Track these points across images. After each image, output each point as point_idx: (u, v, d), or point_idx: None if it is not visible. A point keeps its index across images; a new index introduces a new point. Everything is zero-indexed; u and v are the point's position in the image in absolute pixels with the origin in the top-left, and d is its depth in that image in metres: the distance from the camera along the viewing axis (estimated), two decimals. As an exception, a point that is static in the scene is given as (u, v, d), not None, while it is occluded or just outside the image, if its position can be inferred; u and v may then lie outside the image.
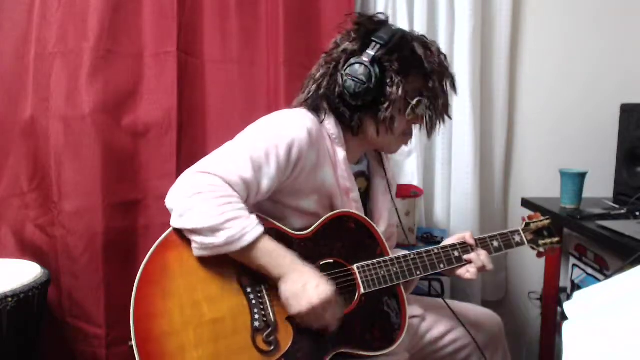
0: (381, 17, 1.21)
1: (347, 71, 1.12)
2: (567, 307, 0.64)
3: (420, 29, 1.89)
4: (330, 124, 1.17)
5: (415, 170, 1.92)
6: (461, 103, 1.91)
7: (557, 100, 2.02)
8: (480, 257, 1.22)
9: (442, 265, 1.21)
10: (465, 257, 1.22)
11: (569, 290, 1.88)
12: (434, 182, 2.01)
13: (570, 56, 2.01)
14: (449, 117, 1.23)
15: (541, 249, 1.32)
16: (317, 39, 1.78)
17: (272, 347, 1.01)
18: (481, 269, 1.21)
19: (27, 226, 1.69)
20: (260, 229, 1.02)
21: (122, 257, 1.63)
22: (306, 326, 1.04)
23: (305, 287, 1.01)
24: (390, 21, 1.23)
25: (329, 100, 1.17)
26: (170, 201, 1.05)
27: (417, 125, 1.23)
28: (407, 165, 1.94)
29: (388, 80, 1.12)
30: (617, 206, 1.67)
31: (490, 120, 2.00)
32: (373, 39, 1.14)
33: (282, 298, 1.03)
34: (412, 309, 1.34)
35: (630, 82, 1.98)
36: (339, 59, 1.16)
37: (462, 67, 1.90)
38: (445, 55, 1.19)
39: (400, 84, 1.12)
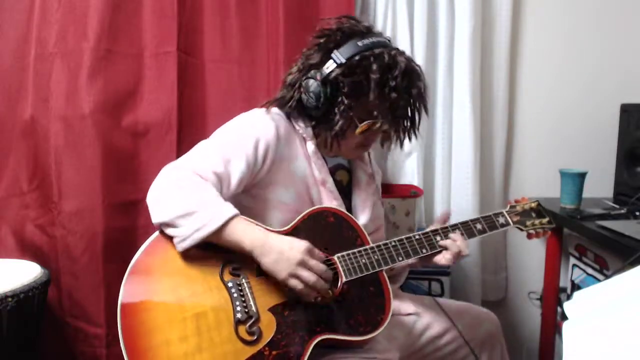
0: (357, 26, 1.19)
1: (303, 84, 1.16)
2: (567, 307, 0.64)
3: (420, 29, 1.89)
4: (298, 122, 1.22)
5: (415, 170, 1.92)
6: (461, 103, 1.91)
7: (557, 100, 2.03)
8: (455, 242, 1.21)
9: (424, 250, 1.21)
10: (441, 242, 1.22)
11: (569, 290, 1.88)
12: (434, 182, 2.01)
13: (570, 56, 2.01)
14: (415, 136, 1.23)
15: (530, 230, 1.31)
16: (317, 39, 1.78)
17: (255, 337, 1.03)
18: (456, 255, 1.21)
19: (27, 226, 1.70)
20: (232, 208, 1.06)
21: (122, 257, 1.62)
22: (304, 293, 1.05)
23: (282, 251, 1.04)
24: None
25: (295, 100, 1.20)
26: (148, 198, 1.11)
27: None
28: (407, 165, 1.94)
29: (338, 101, 1.14)
30: (617, 206, 1.67)
31: (490, 120, 2.00)
32: (332, 56, 1.15)
33: (268, 271, 1.06)
34: (407, 306, 1.35)
35: (630, 82, 1.98)
36: (302, 67, 1.19)
37: (462, 67, 1.90)
38: (418, 74, 1.17)
39: (349, 107, 1.13)
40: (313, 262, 1.05)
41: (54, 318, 1.67)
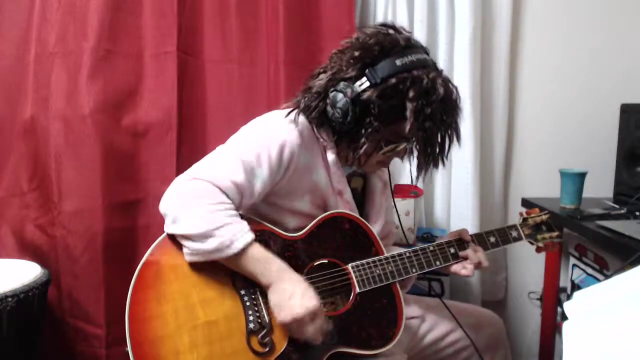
0: (397, 40, 1.08)
1: (331, 96, 1.07)
2: (567, 307, 0.64)
3: (420, 29, 1.89)
4: (321, 131, 1.14)
5: (415, 170, 1.92)
6: (461, 103, 1.90)
7: (557, 100, 2.02)
8: (476, 253, 1.21)
9: (437, 263, 1.21)
10: (462, 253, 1.22)
11: (569, 290, 1.88)
12: (434, 182, 2.01)
13: (570, 56, 2.01)
14: (442, 164, 1.14)
15: (540, 244, 1.32)
16: (317, 39, 1.78)
17: (268, 349, 1.01)
18: (477, 266, 1.21)
19: (27, 226, 1.69)
20: (249, 236, 1.02)
21: (122, 257, 1.63)
22: (293, 336, 1.04)
23: (290, 298, 1.01)
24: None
25: (320, 110, 1.12)
26: (163, 207, 1.06)
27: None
28: (407, 165, 1.93)
29: (367, 122, 1.06)
30: (617, 206, 1.67)
31: (490, 120, 2.00)
32: (366, 73, 1.05)
33: (270, 306, 1.03)
34: (412, 310, 1.34)
35: (630, 82, 1.98)
36: (332, 76, 1.10)
37: (462, 67, 1.90)
38: (455, 102, 1.10)
39: (377, 130, 1.06)
40: (312, 328, 1.01)
41: (54, 318, 1.67)
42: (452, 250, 1.22)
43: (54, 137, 1.62)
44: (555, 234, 1.34)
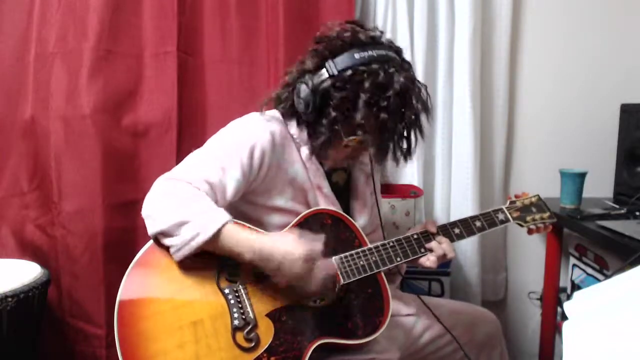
0: (360, 35, 1.12)
1: (297, 87, 1.14)
2: (567, 307, 0.64)
3: (420, 29, 1.89)
4: (292, 126, 1.20)
5: (415, 170, 1.92)
6: (461, 103, 1.91)
7: (557, 100, 2.02)
8: (441, 244, 1.21)
9: (422, 250, 1.21)
10: (427, 245, 1.22)
11: (569, 290, 1.88)
12: (434, 182, 2.01)
13: (570, 56, 2.01)
14: (410, 157, 1.18)
15: (531, 226, 1.30)
16: (317, 39, 1.78)
17: (253, 344, 1.03)
18: (441, 257, 1.21)
19: (27, 226, 1.69)
20: (225, 216, 1.04)
21: (122, 257, 1.62)
22: (306, 294, 1.05)
23: (284, 258, 1.02)
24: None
25: (290, 102, 1.18)
26: (143, 209, 1.10)
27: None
28: (407, 165, 1.93)
29: (326, 112, 1.11)
30: (617, 206, 1.67)
31: (490, 120, 2.00)
32: (326, 64, 1.11)
33: (272, 276, 1.04)
34: (408, 308, 1.35)
35: (630, 82, 1.98)
36: (298, 70, 1.17)
37: (462, 67, 1.90)
38: (415, 96, 1.11)
39: (335, 120, 1.10)
40: (316, 274, 1.04)
41: (54, 318, 1.67)
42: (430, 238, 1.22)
43: (54, 137, 1.62)
44: (547, 214, 1.31)
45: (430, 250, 1.21)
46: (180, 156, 1.69)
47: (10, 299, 1.35)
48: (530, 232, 1.32)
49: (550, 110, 2.03)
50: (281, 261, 1.02)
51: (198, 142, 1.73)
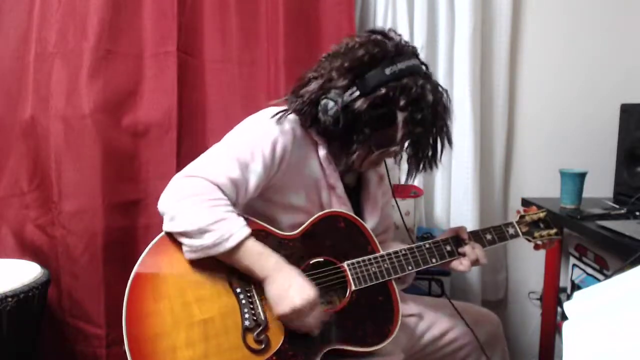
0: (386, 48, 1.09)
1: (322, 103, 1.09)
2: (567, 307, 0.64)
3: (420, 29, 1.89)
4: (312, 129, 1.17)
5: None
6: (461, 103, 1.91)
7: (557, 100, 2.03)
8: (474, 250, 1.23)
9: (434, 260, 1.21)
10: (460, 249, 1.23)
11: (569, 290, 1.88)
12: (434, 182, 2.01)
13: (570, 56, 2.01)
14: (436, 166, 1.18)
15: (538, 241, 1.32)
16: (317, 39, 1.78)
17: (263, 346, 1.02)
18: (474, 262, 1.22)
19: (27, 226, 1.69)
20: (246, 230, 1.04)
21: (122, 257, 1.63)
22: (291, 329, 1.04)
23: (288, 289, 1.02)
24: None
25: (311, 116, 1.14)
26: (161, 206, 1.07)
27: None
28: (406, 165, 1.93)
29: (357, 129, 1.09)
30: (617, 206, 1.67)
31: (490, 120, 2.00)
32: (357, 82, 1.07)
33: (267, 299, 1.04)
34: (409, 308, 1.34)
35: (630, 82, 1.98)
36: (324, 81, 1.11)
37: (462, 67, 1.90)
38: (444, 107, 1.12)
39: (368, 137, 1.10)
40: (311, 318, 1.03)
41: (54, 318, 1.67)
42: (449, 248, 1.23)
43: (54, 137, 1.62)
44: (553, 231, 1.33)
45: (463, 255, 1.23)
46: (180, 156, 1.69)
47: (10, 299, 1.35)
48: (537, 247, 1.34)
49: (550, 110, 2.03)
50: (285, 291, 1.02)
51: (198, 142, 1.75)
